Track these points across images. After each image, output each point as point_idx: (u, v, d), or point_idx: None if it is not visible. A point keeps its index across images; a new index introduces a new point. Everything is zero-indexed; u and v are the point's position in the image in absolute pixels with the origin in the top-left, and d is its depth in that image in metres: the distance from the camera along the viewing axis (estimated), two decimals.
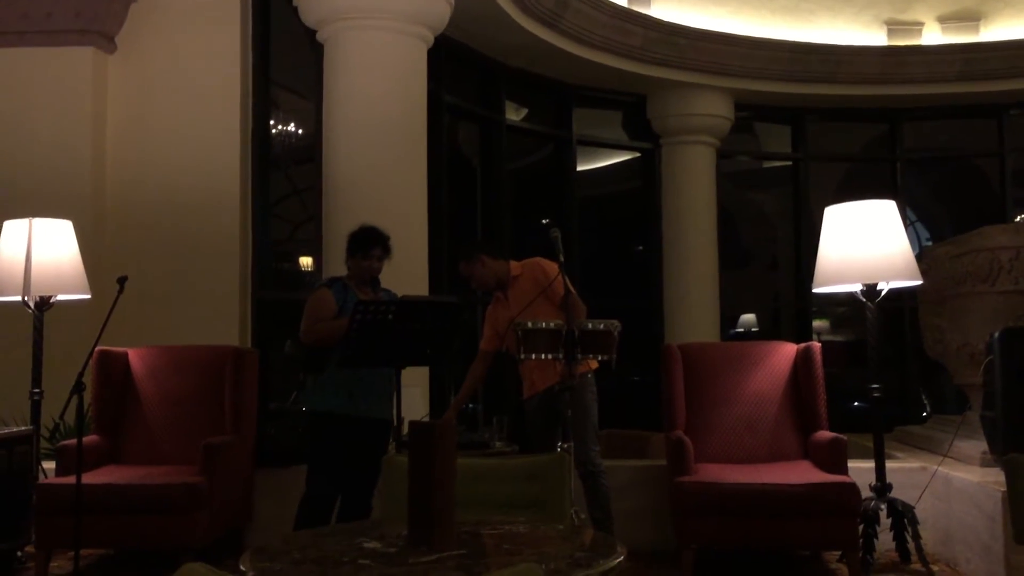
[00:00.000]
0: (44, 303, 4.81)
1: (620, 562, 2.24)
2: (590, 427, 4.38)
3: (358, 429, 4.07)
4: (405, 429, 3.95)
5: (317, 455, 4.09)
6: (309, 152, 6.44)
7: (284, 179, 6.88)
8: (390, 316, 3.85)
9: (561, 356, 3.79)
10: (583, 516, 4.09)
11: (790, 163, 9.39)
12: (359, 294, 4.17)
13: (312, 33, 6.04)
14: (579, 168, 8.62)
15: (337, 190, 5.82)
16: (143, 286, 5.33)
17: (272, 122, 6.55)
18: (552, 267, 4.30)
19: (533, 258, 4.58)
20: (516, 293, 4.47)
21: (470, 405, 6.66)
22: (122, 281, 4.18)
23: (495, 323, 4.56)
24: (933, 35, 8.66)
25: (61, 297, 4.86)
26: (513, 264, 4.58)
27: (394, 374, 4.16)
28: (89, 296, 4.90)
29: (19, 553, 4.50)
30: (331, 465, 4.05)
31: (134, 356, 5.06)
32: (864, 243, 4.50)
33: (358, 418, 4.07)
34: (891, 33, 8.64)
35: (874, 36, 8.66)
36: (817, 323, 9.38)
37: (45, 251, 4.77)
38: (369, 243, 4.18)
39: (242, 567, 2.18)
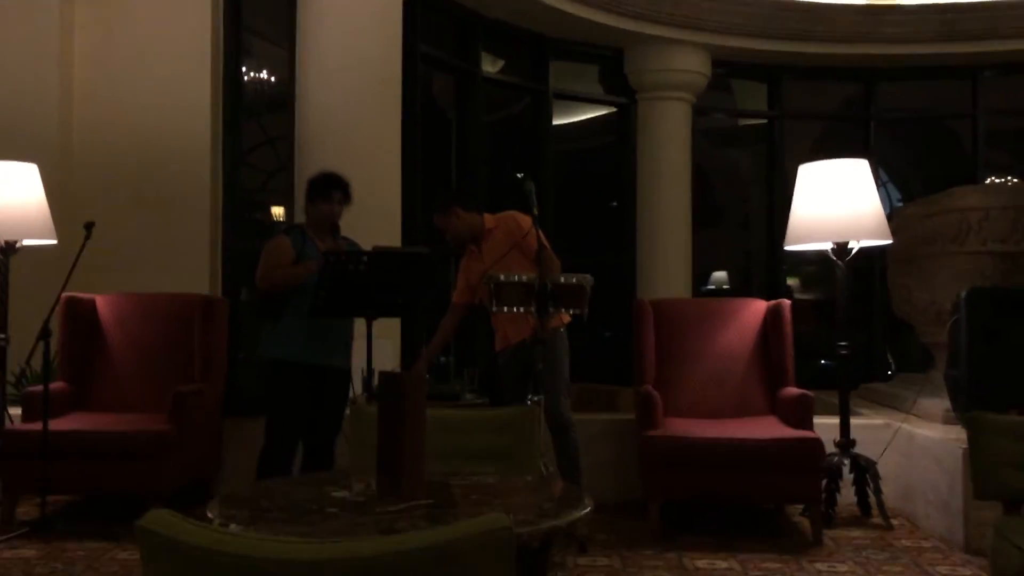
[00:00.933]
0: (9, 248, 4.72)
1: (587, 513, 2.26)
2: (561, 380, 4.40)
3: (315, 377, 4.05)
4: (376, 380, 3.96)
5: (275, 404, 4.07)
6: (282, 100, 6.33)
7: (256, 127, 6.77)
8: (362, 267, 3.82)
9: (533, 309, 3.78)
10: (552, 468, 4.11)
11: (765, 121, 9.38)
12: (318, 243, 4.12)
13: None
14: (555, 122, 8.55)
15: (310, 139, 5.73)
16: (111, 232, 5.24)
17: (244, 69, 6.43)
18: (526, 221, 4.27)
19: (507, 212, 4.55)
20: (490, 246, 4.45)
21: (441, 357, 6.67)
22: (89, 227, 4.12)
23: (468, 276, 4.54)
24: None
25: (27, 242, 4.77)
26: (487, 217, 4.55)
27: (351, 323, 4.14)
28: (55, 241, 4.82)
29: None
30: (289, 414, 4.03)
31: (102, 303, 5.00)
32: (836, 202, 4.51)
33: (314, 366, 4.04)
34: None
35: None
36: (788, 281, 9.44)
37: (10, 195, 4.67)
38: (328, 187, 4.13)
39: (209, 514, 2.17)
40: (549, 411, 4.18)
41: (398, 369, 5.17)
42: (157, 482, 4.27)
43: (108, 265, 5.46)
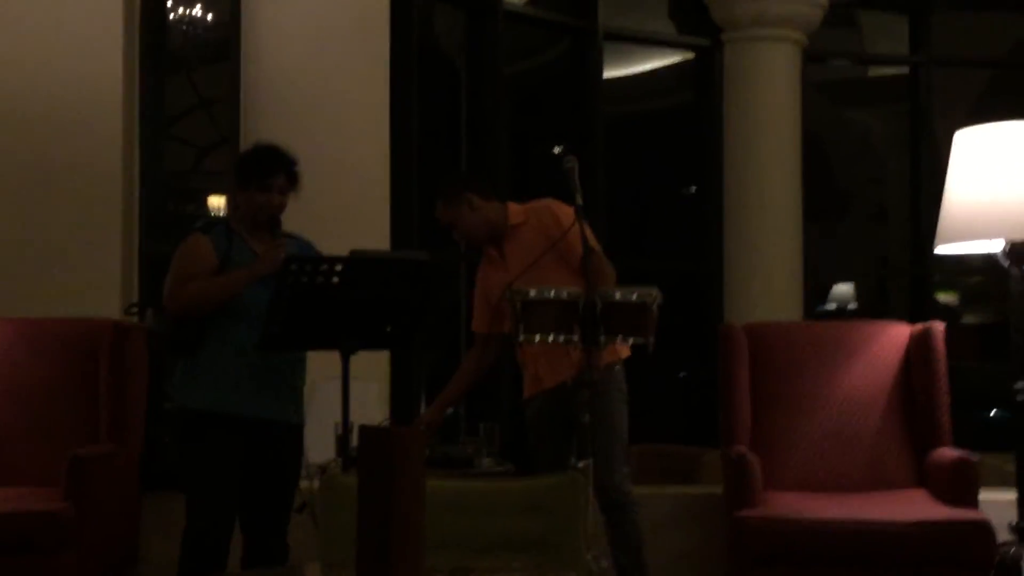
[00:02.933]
0: None
1: None
2: (617, 440, 4.41)
3: (253, 436, 4.08)
4: (355, 439, 3.98)
5: (195, 473, 4.10)
6: (223, 48, 6.40)
7: (187, 86, 6.84)
8: (335, 278, 3.84)
9: (577, 339, 3.80)
10: (605, 563, 4.11)
11: (907, 70, 9.35)
12: (252, 243, 4.16)
13: None
14: (607, 75, 8.58)
15: (261, 101, 5.80)
16: None
17: (169, 4, 6.50)
18: (568, 213, 4.29)
19: (542, 200, 4.57)
20: (516, 248, 4.48)
21: (449, 409, 6.69)
22: None
23: (487, 291, 4.57)
24: None
25: None
26: (513, 208, 4.58)
27: (303, 360, 4.19)
28: None
29: None
30: (217, 487, 4.06)
31: None
32: (1009, 183, 4.49)
33: (251, 420, 4.07)
34: None
35: None
36: (942, 297, 9.39)
37: None
38: (268, 169, 4.13)
39: None
40: (601, 482, 4.17)
41: (386, 423, 5.19)
42: None
43: None
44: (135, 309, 4.32)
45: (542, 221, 4.46)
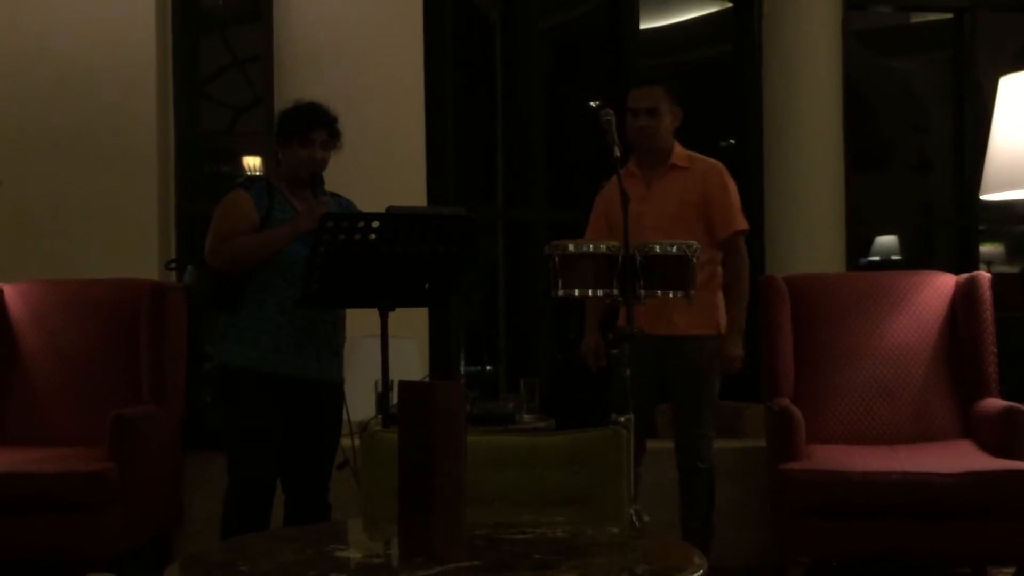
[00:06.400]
0: None
1: None
2: (707, 405, 4.43)
3: (292, 394, 4.10)
4: (394, 395, 4.00)
5: (237, 431, 4.13)
6: (255, 6, 6.40)
7: (220, 45, 6.84)
8: (372, 235, 3.85)
9: (616, 292, 3.80)
10: (647, 518, 4.12)
11: (951, 15, 9.23)
12: (293, 200, 4.16)
13: None
14: (643, 26, 8.51)
15: (295, 60, 5.79)
16: (23, 196, 5.36)
17: None
18: (733, 188, 4.54)
19: (714, 159, 4.66)
20: (666, 189, 4.52)
21: (487, 366, 6.71)
22: None
23: (608, 211, 4.54)
24: None
25: None
26: (679, 149, 4.64)
27: (343, 318, 4.21)
28: None
29: None
30: (257, 444, 4.08)
31: (13, 294, 5.13)
32: None
33: (291, 378, 4.09)
34: None
35: None
36: (987, 248, 9.30)
37: None
38: (309, 123, 4.14)
39: None
40: (682, 442, 4.35)
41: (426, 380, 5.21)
42: (96, 541, 4.37)
43: (21, 241, 5.57)
44: (174, 265, 4.32)
45: (707, 178, 4.49)
